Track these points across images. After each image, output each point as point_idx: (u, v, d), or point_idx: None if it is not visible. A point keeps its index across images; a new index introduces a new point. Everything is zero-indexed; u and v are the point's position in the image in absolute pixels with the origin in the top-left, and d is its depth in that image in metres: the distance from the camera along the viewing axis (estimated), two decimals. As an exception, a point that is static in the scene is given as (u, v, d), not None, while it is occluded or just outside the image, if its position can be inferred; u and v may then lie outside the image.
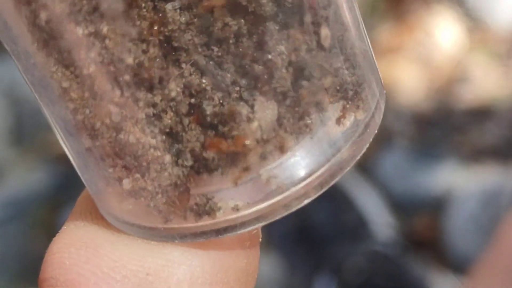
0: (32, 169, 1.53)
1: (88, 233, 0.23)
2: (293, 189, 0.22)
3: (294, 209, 0.22)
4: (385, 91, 0.26)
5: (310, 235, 1.14)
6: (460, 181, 1.18)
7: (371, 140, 0.23)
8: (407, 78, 1.32)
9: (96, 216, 0.24)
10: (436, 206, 1.18)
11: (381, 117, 0.25)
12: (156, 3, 0.20)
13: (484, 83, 1.29)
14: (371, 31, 1.36)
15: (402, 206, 1.20)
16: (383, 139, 1.28)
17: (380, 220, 1.17)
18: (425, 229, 1.18)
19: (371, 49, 0.26)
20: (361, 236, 1.14)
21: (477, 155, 1.22)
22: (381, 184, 1.22)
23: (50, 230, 1.22)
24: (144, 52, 0.20)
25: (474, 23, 1.33)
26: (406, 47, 1.35)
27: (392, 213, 1.20)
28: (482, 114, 1.26)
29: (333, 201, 1.16)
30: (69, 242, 0.23)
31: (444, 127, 1.27)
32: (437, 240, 1.16)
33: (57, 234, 0.24)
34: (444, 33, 1.35)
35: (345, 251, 1.11)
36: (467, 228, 1.12)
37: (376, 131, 0.24)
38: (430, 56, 1.33)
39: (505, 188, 1.09)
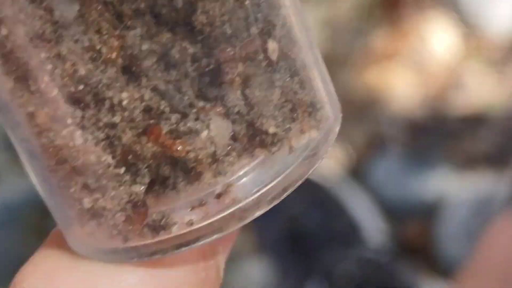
0: (25, 174, 1.54)
1: (51, 261, 0.24)
2: (246, 202, 0.23)
3: (247, 221, 0.23)
4: (341, 115, 0.27)
5: (302, 241, 1.15)
6: (453, 188, 1.18)
7: (323, 157, 0.25)
8: (402, 85, 1.33)
9: (62, 244, 0.24)
10: (428, 213, 1.18)
11: (335, 136, 0.26)
12: (118, 30, 0.21)
13: (479, 90, 1.29)
14: (367, 37, 1.37)
15: (394, 212, 1.21)
16: (376, 145, 1.29)
17: (372, 226, 1.17)
18: (416, 236, 1.19)
19: (326, 69, 0.27)
20: (353, 242, 1.15)
21: (470, 162, 1.23)
22: (373, 190, 1.23)
23: (43, 236, 1.22)
24: (103, 73, 0.21)
25: (469, 29, 1.34)
26: (400, 53, 1.36)
27: (384, 219, 1.21)
28: (475, 121, 1.27)
29: (324, 207, 1.17)
30: (32, 271, 0.24)
31: (437, 133, 1.28)
32: (428, 247, 1.17)
33: (25, 263, 0.24)
34: (439, 40, 1.35)
35: (336, 257, 1.11)
36: (459, 235, 1.12)
37: (329, 149, 0.25)
38: (424, 62, 1.34)
39: (497, 195, 1.10)
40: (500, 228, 0.54)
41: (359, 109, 1.32)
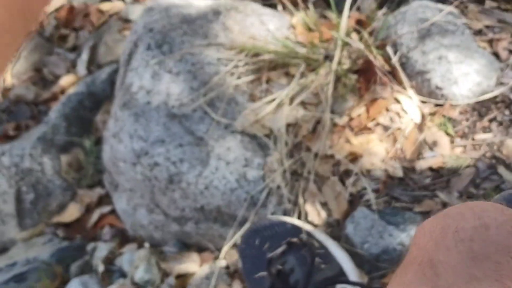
0: (34, 244, 1.63)
1: None
2: None
3: None
4: None
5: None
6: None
7: None
8: (378, 150, 1.41)
9: None
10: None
11: None
12: None
13: (447, 152, 1.38)
14: (342, 105, 1.46)
15: (373, 264, 1.27)
16: (354, 200, 1.37)
17: (352, 278, 1.23)
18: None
19: None
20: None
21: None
22: (352, 242, 1.30)
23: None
24: None
25: (437, 98, 1.43)
26: (376, 122, 1.45)
27: (363, 271, 1.28)
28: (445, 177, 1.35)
29: (306, 259, 1.23)
30: None
31: (411, 188, 1.35)
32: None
33: None
34: (410, 109, 1.45)
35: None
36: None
37: None
38: (398, 129, 1.42)
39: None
40: (427, 224, 0.62)
41: (339, 169, 1.41)
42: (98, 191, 1.73)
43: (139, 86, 1.56)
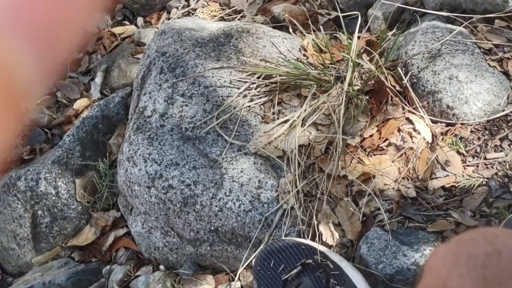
0: (50, 268, 1.64)
1: None
2: None
3: None
4: None
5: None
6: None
7: None
8: (390, 170, 1.42)
9: None
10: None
11: None
12: None
13: (459, 171, 1.39)
14: (354, 129, 1.47)
15: (387, 284, 1.27)
16: (368, 221, 1.37)
17: None
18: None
19: None
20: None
21: (456, 230, 1.30)
22: (366, 263, 1.30)
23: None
24: None
25: (449, 118, 1.44)
26: (388, 142, 1.45)
27: None
28: (458, 196, 1.35)
29: (321, 281, 1.24)
30: None
31: (424, 208, 1.35)
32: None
33: None
34: (422, 129, 1.45)
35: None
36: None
37: None
38: (411, 149, 1.43)
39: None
40: (440, 251, 0.63)
41: (352, 190, 1.41)
42: (113, 214, 1.74)
43: (153, 109, 1.58)
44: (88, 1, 0.20)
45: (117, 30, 2.32)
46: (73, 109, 2.08)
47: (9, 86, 0.19)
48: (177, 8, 2.30)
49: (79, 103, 2.09)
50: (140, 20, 2.36)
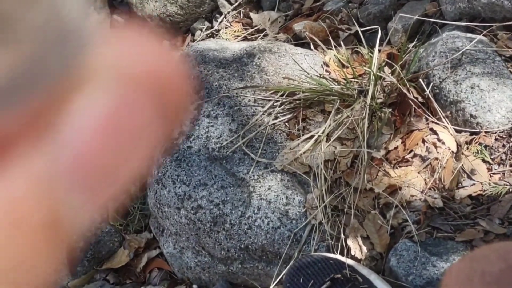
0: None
1: None
2: None
3: None
4: None
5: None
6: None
7: None
8: (417, 181, 1.43)
9: None
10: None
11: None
12: None
13: (485, 179, 1.39)
14: (379, 142, 1.48)
15: None
16: (396, 233, 1.38)
17: None
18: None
19: None
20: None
21: (485, 239, 1.30)
22: (396, 275, 1.31)
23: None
24: None
25: (472, 127, 1.44)
26: (413, 154, 1.46)
27: None
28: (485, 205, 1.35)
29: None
30: None
31: (452, 218, 1.36)
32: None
33: None
34: (446, 139, 1.46)
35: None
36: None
37: None
38: (436, 159, 1.43)
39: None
40: (454, 268, 0.63)
41: (379, 203, 1.42)
42: (145, 235, 1.77)
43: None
44: (149, 147, 0.20)
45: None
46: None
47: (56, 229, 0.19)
48: (201, 30, 2.33)
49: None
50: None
